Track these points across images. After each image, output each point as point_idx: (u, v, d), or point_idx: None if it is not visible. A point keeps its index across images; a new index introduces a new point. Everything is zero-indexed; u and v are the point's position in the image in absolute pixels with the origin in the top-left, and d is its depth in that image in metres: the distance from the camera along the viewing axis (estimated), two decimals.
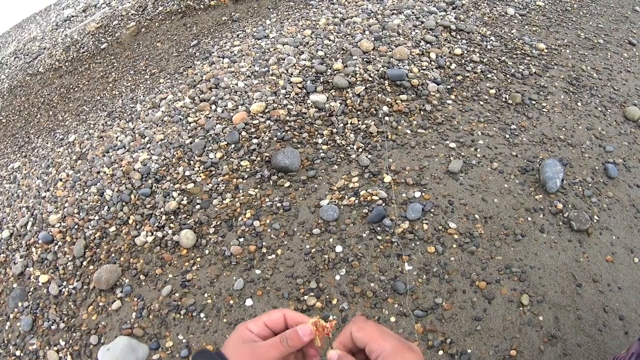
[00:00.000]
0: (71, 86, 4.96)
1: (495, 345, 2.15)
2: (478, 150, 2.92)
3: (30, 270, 2.78)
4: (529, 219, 2.61)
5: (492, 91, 3.33)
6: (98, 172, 3.08)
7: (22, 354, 2.51)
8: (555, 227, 2.59)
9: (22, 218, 3.11)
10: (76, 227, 2.82)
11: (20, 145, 4.34)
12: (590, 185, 2.83)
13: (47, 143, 4.07)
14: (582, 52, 3.91)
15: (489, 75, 3.48)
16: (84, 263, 2.66)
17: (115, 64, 4.99)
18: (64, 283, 2.63)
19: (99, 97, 4.47)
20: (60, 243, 2.80)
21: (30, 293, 2.70)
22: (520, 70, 3.57)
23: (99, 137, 3.55)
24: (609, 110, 3.39)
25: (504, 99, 3.29)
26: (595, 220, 2.66)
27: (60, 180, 3.25)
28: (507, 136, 3.04)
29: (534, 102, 3.31)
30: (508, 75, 3.50)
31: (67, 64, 5.42)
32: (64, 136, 3.99)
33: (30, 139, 4.36)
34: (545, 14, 4.49)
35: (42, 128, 4.44)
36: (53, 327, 2.50)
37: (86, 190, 3.01)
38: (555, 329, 2.23)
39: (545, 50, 3.83)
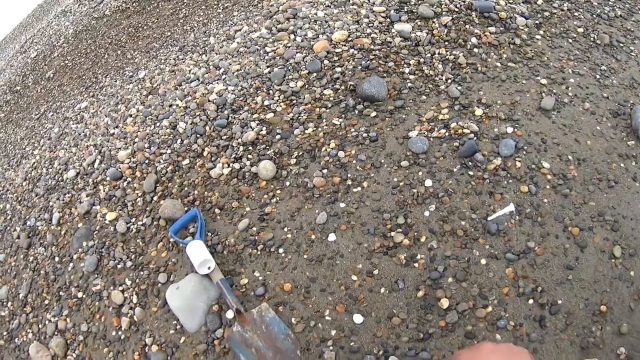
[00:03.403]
0: (139, 25, 4.63)
1: (586, 298, 1.83)
2: (569, 88, 2.52)
3: (96, 209, 2.51)
4: (622, 165, 2.22)
5: (580, 30, 2.90)
6: (170, 106, 2.78)
7: (84, 296, 2.28)
8: None
9: (89, 156, 2.85)
10: (147, 161, 2.54)
11: (88, 86, 4.06)
12: None
13: (115, 81, 3.78)
14: None
15: (575, 14, 3.02)
16: (155, 198, 2.38)
17: (185, 0, 4.57)
18: (132, 220, 2.36)
19: (169, 34, 4.15)
20: (129, 179, 2.53)
21: (95, 232, 2.44)
22: (606, 11, 3.09)
23: (170, 72, 3.24)
24: None
25: (592, 39, 2.85)
26: None
27: (130, 116, 2.97)
28: (598, 77, 2.62)
29: (621, 44, 2.86)
30: (594, 16, 3.04)
31: (134, 4, 5.09)
32: (134, 73, 3.69)
33: (98, 79, 4.07)
34: None
35: (110, 67, 4.15)
36: (119, 266, 2.25)
37: (157, 124, 2.72)
38: None
39: None
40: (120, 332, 2.07)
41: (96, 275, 2.29)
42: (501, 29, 2.78)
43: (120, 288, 2.17)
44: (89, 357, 2.11)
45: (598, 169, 2.17)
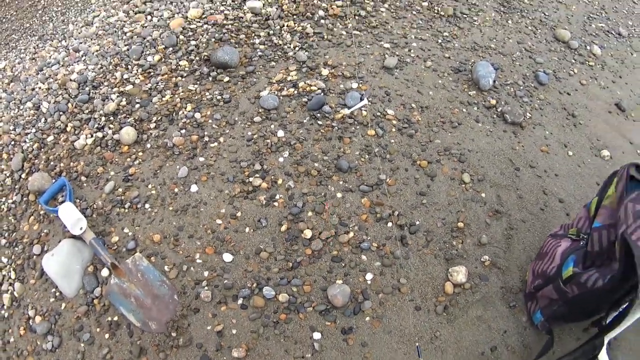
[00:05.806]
0: None
1: (442, 217, 2.25)
2: (412, 51, 3.00)
3: None
4: (464, 110, 2.71)
5: (425, 4, 3.41)
6: (33, 89, 2.96)
7: None
8: (490, 119, 2.71)
9: None
10: (12, 142, 2.70)
11: None
12: (521, 87, 2.97)
13: None
14: None
15: None
16: (23, 175, 2.54)
17: None
18: (3, 199, 2.52)
19: (28, 25, 4.33)
20: None
21: None
22: None
23: (31, 59, 3.41)
24: (539, 30, 3.52)
25: (436, 11, 3.37)
26: (527, 117, 2.79)
27: None
28: (440, 41, 3.13)
29: (465, 15, 3.41)
30: None
31: None
32: None
33: None
34: None
35: None
36: None
37: (21, 107, 2.88)
38: (498, 205, 2.34)
39: None
40: (3, 311, 2.21)
41: None
42: (347, 3, 3.23)
43: None
44: None
45: (441, 114, 2.63)
